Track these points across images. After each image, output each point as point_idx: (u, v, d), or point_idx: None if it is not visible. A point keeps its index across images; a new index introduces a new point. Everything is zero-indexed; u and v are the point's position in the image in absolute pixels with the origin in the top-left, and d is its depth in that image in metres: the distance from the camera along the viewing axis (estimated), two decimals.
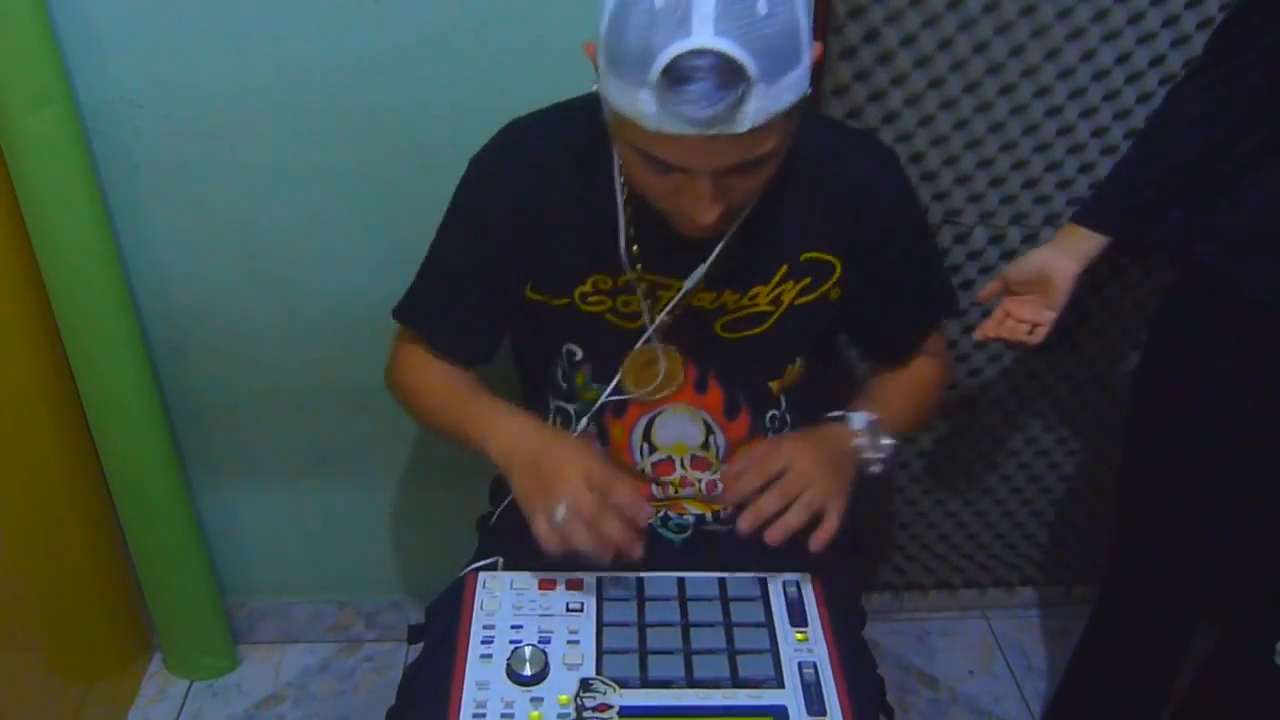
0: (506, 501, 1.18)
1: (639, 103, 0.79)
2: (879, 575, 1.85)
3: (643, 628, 0.98)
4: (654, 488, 1.13)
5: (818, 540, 0.93)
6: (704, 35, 0.75)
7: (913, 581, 1.87)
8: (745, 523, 0.93)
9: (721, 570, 1.04)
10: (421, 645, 1.08)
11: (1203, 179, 1.18)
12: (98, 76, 1.25)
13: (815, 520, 0.93)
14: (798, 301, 1.05)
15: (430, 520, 1.68)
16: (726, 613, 1.00)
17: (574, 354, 1.09)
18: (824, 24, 1.25)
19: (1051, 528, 1.81)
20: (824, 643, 0.97)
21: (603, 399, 1.08)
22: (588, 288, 1.04)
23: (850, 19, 1.26)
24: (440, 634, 1.03)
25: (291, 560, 1.74)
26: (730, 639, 0.97)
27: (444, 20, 1.24)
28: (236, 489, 1.64)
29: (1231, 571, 1.35)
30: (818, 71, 0.91)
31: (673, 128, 0.79)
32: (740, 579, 1.03)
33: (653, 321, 1.04)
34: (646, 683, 0.92)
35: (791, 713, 0.90)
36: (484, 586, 1.02)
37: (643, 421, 1.10)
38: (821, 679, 0.93)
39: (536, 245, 1.03)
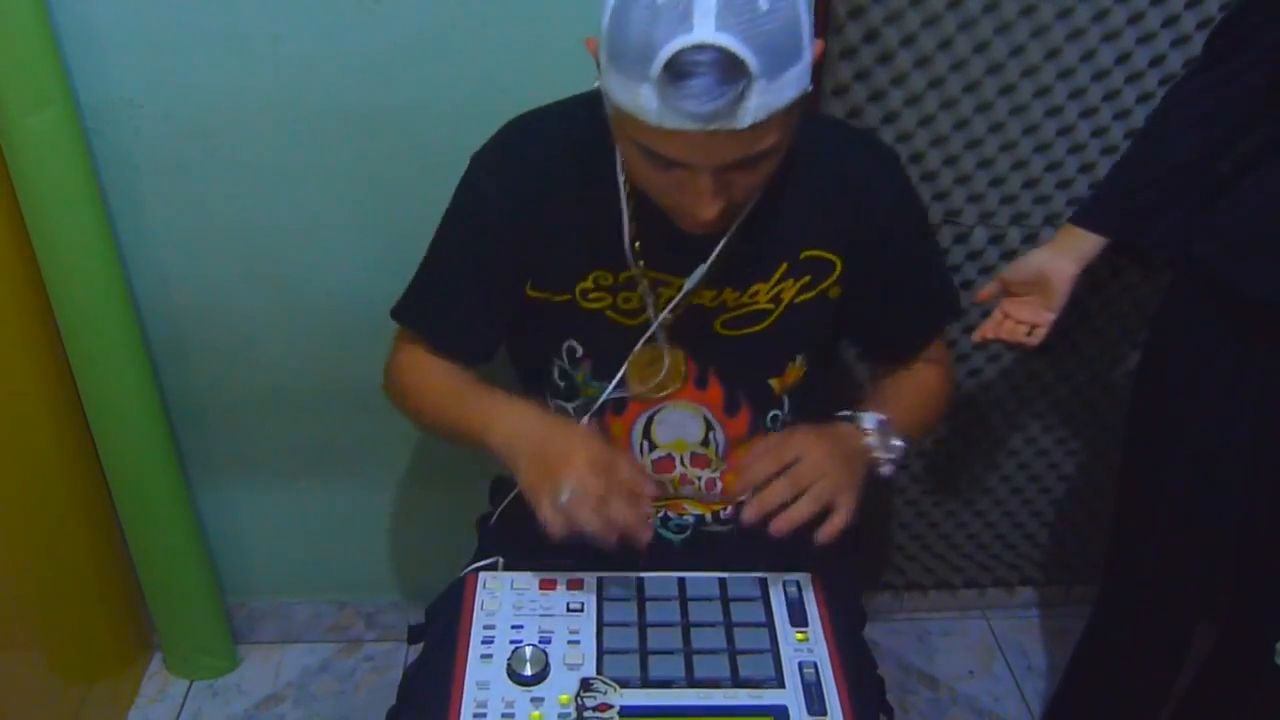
0: (506, 501, 1.18)
1: (640, 98, 0.79)
2: (879, 575, 1.85)
3: (643, 628, 0.98)
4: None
5: (825, 533, 0.92)
6: (705, 30, 0.75)
7: (913, 581, 1.87)
8: (750, 512, 0.92)
9: (721, 570, 1.04)
10: (421, 645, 1.08)
11: (1202, 179, 1.18)
12: (98, 76, 1.25)
13: (822, 514, 0.92)
14: (798, 300, 1.05)
15: (430, 520, 1.68)
16: (727, 613, 1.00)
17: (574, 351, 1.09)
18: (824, 24, 1.25)
19: (1051, 528, 1.81)
20: (824, 643, 0.97)
21: (605, 395, 1.08)
22: (589, 284, 1.04)
23: (850, 19, 1.26)
24: (440, 634, 1.03)
25: (291, 560, 1.74)
26: (731, 639, 0.97)
27: (444, 20, 1.24)
28: (236, 489, 1.64)
29: (1231, 571, 1.36)
30: (818, 70, 0.91)
31: (674, 123, 0.79)
32: (740, 579, 1.03)
33: (655, 318, 1.04)
34: (647, 683, 0.92)
35: (792, 712, 0.90)
36: (484, 586, 1.02)
37: (642, 419, 1.10)
38: (822, 679, 0.93)
39: (538, 242, 1.03)
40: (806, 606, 1.00)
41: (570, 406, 1.12)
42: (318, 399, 1.54)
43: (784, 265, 1.03)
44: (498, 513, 1.20)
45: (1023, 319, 1.25)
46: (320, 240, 1.40)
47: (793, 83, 0.80)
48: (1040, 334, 1.24)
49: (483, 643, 0.96)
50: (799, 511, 0.91)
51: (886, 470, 1.03)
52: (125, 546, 1.61)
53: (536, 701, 0.90)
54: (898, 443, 1.03)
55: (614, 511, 0.90)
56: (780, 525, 0.91)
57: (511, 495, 1.17)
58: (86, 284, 1.33)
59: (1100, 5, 1.27)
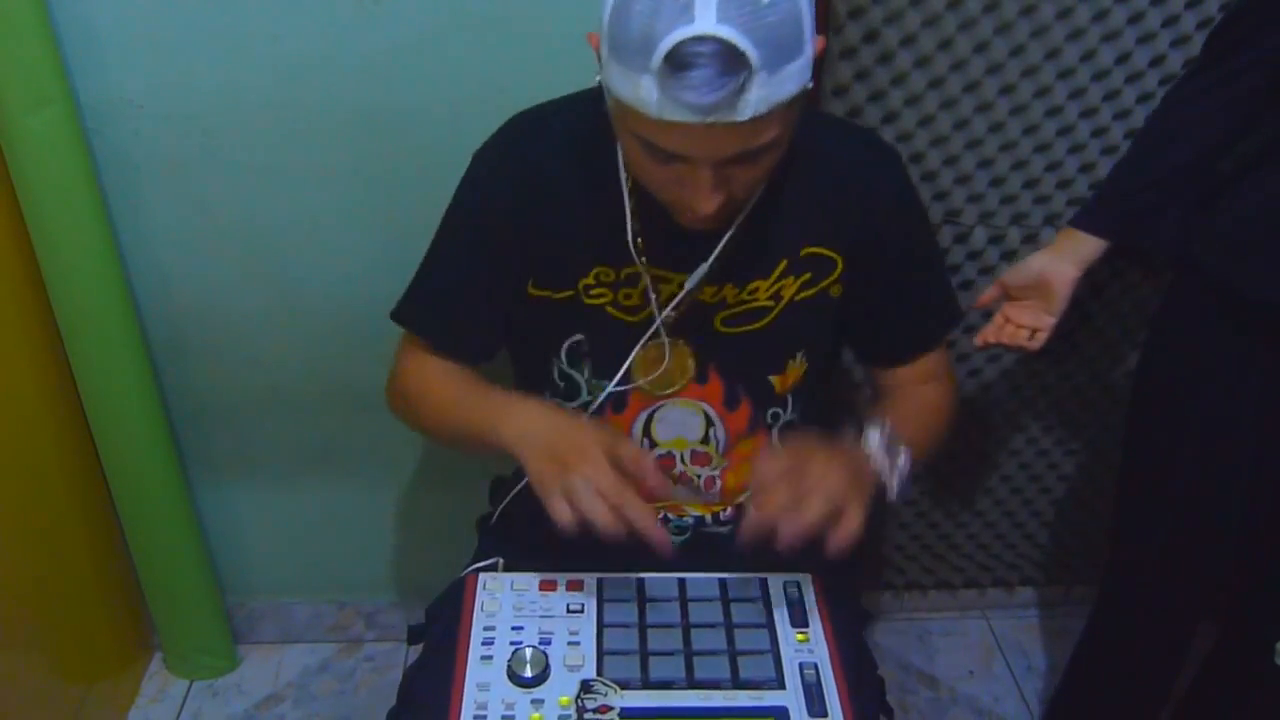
0: (506, 501, 1.18)
1: (641, 90, 0.79)
2: (879, 575, 1.85)
3: (643, 629, 0.98)
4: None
5: (836, 541, 0.88)
6: (706, 22, 0.75)
7: (913, 581, 1.87)
8: (756, 509, 0.89)
9: (722, 571, 1.04)
10: (422, 646, 1.07)
11: (1202, 179, 1.18)
12: (98, 76, 1.25)
13: (829, 525, 0.89)
14: (798, 297, 1.05)
15: (430, 520, 1.68)
16: (727, 614, 1.00)
17: (576, 348, 1.08)
18: (824, 24, 1.25)
19: (1051, 528, 1.81)
20: (824, 643, 0.97)
21: (609, 389, 1.07)
22: (591, 280, 1.04)
23: (850, 19, 1.26)
24: (441, 635, 1.03)
25: (291, 560, 1.74)
26: (731, 640, 0.97)
27: (444, 20, 1.24)
28: (236, 489, 1.64)
29: (1231, 571, 1.36)
30: (819, 69, 0.91)
31: (674, 115, 0.79)
32: (741, 580, 1.03)
33: (659, 315, 1.04)
34: (647, 684, 0.92)
35: (792, 713, 0.90)
36: (484, 587, 1.02)
37: (642, 416, 1.10)
38: (822, 679, 0.93)
39: (541, 238, 1.03)
40: (807, 607, 1.00)
41: (570, 406, 1.12)
42: (318, 399, 1.54)
43: (784, 262, 1.03)
44: (498, 513, 1.20)
45: (1024, 323, 1.25)
46: (320, 240, 1.40)
47: (793, 77, 0.80)
48: (1041, 338, 1.24)
49: (483, 644, 0.96)
50: (808, 514, 0.87)
51: (894, 498, 0.99)
52: (125, 546, 1.61)
53: (537, 703, 0.90)
54: (904, 464, 0.99)
55: (627, 506, 0.89)
56: (788, 530, 0.87)
57: (511, 495, 1.17)
58: (86, 284, 1.33)
59: (1100, 5, 1.27)
